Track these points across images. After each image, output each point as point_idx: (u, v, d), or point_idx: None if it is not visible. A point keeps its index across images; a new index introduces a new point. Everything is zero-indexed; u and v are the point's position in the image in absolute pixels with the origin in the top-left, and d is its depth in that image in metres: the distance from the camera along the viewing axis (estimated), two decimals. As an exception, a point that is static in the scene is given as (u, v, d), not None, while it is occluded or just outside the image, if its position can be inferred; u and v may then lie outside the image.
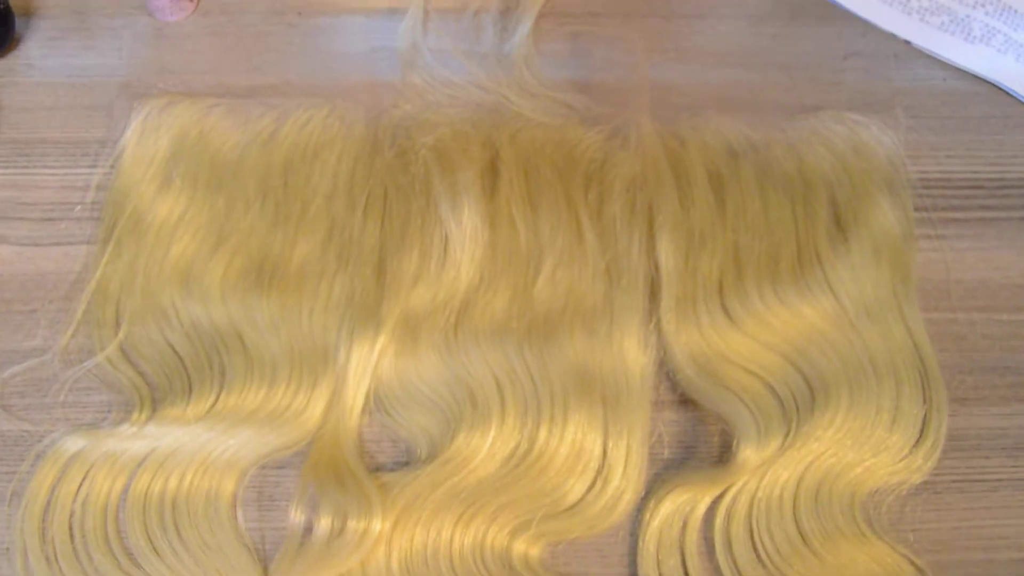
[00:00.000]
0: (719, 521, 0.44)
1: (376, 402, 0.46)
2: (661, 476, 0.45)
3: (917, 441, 0.45)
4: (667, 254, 0.47)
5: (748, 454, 0.43)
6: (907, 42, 0.55)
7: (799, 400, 0.46)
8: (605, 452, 0.44)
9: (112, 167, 0.49)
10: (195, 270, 0.47)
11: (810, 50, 0.55)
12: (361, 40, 0.54)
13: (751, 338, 0.47)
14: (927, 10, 0.55)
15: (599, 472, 0.44)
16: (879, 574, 0.43)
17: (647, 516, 0.43)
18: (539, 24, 0.54)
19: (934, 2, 0.55)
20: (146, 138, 0.49)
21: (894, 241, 0.49)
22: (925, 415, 0.46)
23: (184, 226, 0.48)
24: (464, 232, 0.47)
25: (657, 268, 0.48)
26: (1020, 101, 0.54)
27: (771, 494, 0.44)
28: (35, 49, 0.53)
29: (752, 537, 0.43)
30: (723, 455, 0.45)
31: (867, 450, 0.45)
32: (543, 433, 0.44)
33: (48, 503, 0.42)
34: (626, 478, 0.44)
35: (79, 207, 0.49)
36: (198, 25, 0.54)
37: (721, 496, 0.44)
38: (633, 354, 0.46)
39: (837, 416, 0.45)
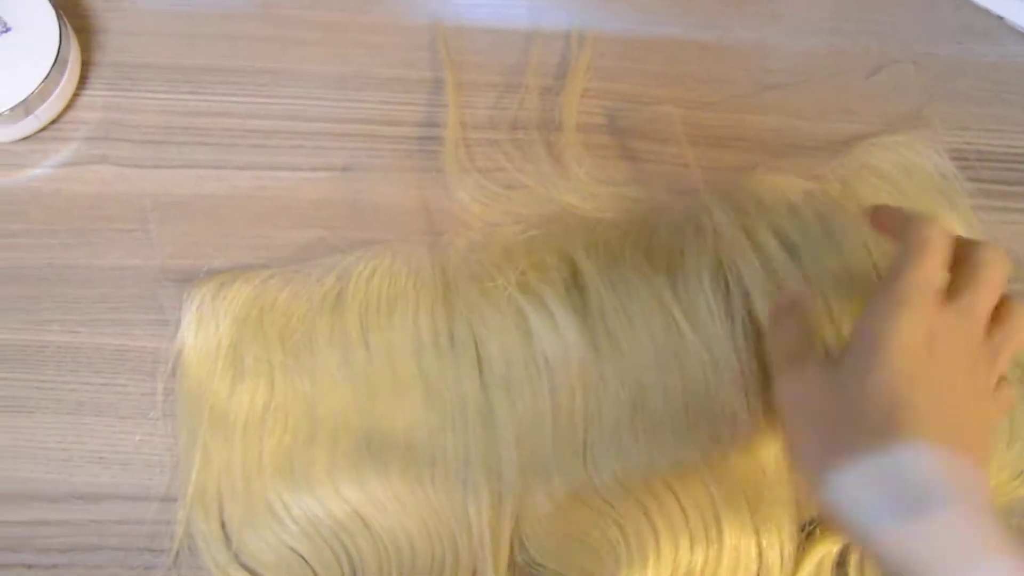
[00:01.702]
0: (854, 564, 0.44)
1: (523, 555, 0.43)
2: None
3: None
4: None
5: None
6: (1000, 18, 0.55)
7: None
8: (761, 553, 0.42)
9: (175, 368, 0.45)
10: (297, 461, 0.43)
11: (904, 25, 0.55)
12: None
13: None
14: (1019, -14, 0.55)
15: None
16: None
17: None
18: (580, 118, 0.51)
19: (1027, -22, 0.55)
20: (204, 329, 0.45)
21: None
22: None
23: (272, 415, 0.44)
24: (571, 362, 0.43)
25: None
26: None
27: None
28: (141, -22, 0.53)
29: None
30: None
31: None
32: (700, 553, 0.42)
33: None
34: (783, 568, 0.43)
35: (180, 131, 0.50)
36: None
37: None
38: (762, 442, 0.43)
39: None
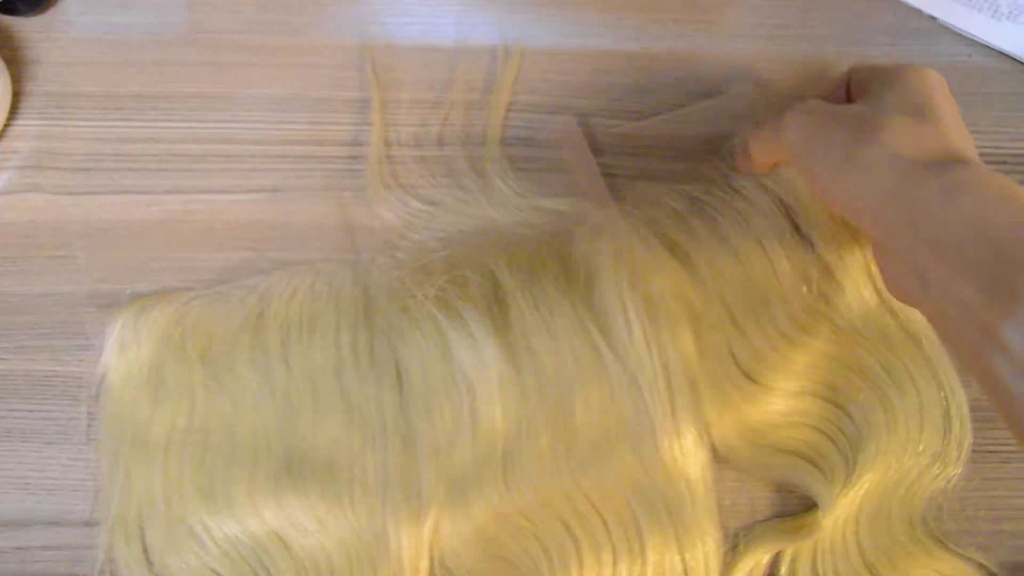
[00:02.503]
0: (784, 571, 0.44)
1: (444, 572, 0.43)
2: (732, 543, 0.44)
3: (945, 431, 0.44)
4: (678, 343, 0.44)
5: (832, 509, 0.42)
6: (933, 18, 0.55)
7: (848, 435, 0.44)
8: (686, 567, 0.42)
9: (98, 392, 0.45)
10: (218, 483, 0.43)
11: (836, 26, 0.55)
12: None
13: (782, 392, 0.45)
14: (951, -13, 0.55)
15: None
16: None
17: None
18: (508, 132, 0.51)
19: (958, -21, 0.55)
20: (126, 352, 0.45)
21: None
22: (944, 401, 0.44)
23: (193, 437, 0.44)
24: (491, 379, 0.43)
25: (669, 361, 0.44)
26: (1048, 79, 0.54)
27: (833, 534, 0.43)
28: (73, 6, 0.54)
29: None
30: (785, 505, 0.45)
31: (908, 460, 0.43)
32: (624, 568, 0.42)
33: None
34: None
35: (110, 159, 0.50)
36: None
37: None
38: (684, 457, 0.43)
39: (881, 438, 0.43)
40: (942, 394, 0.44)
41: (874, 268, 0.45)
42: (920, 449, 0.43)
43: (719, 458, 0.45)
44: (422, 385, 0.44)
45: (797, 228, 0.46)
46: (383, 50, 0.53)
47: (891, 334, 0.45)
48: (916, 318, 0.45)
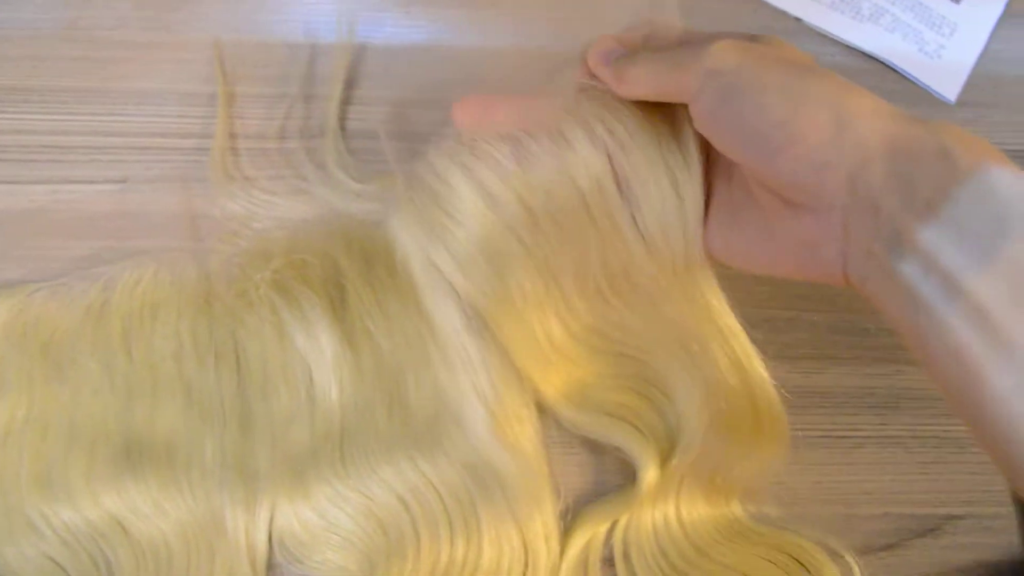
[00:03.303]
0: (618, 550, 0.44)
1: (284, 554, 0.43)
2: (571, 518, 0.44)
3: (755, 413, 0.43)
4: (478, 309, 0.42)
5: (651, 472, 0.42)
6: (798, 19, 0.56)
7: (673, 400, 0.43)
8: (524, 541, 0.42)
9: None
10: (55, 472, 0.43)
11: (701, 27, 0.56)
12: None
13: (601, 352, 0.44)
14: (817, -10, 0.57)
15: (526, 564, 0.42)
16: (783, 563, 0.42)
17: (563, 562, 0.43)
18: (352, 125, 0.52)
19: (824, -18, 0.57)
20: None
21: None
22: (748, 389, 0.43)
23: (31, 427, 0.44)
24: (326, 360, 0.44)
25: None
26: (905, 77, 0.55)
27: (654, 514, 0.43)
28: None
29: (649, 561, 0.43)
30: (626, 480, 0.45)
31: (725, 435, 0.43)
32: (461, 544, 0.42)
33: None
34: (550, 554, 0.42)
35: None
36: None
37: (612, 527, 0.44)
38: (512, 429, 0.43)
39: (699, 409, 0.42)
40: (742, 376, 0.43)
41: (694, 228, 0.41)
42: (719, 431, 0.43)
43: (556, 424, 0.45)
44: (260, 368, 0.44)
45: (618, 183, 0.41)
46: (236, 46, 0.54)
47: (697, 304, 0.43)
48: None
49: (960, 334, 0.28)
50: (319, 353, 0.44)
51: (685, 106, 0.37)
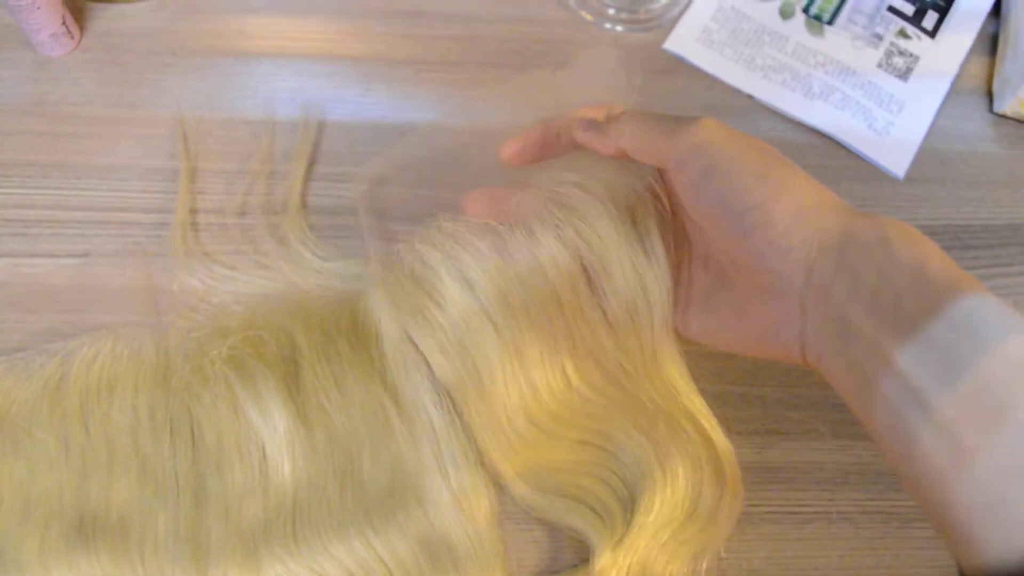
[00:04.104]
0: None
1: None
2: None
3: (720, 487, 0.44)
4: (450, 387, 0.45)
5: (605, 557, 0.42)
6: (751, 96, 0.58)
7: (628, 485, 0.44)
8: None
9: None
10: (8, 545, 0.43)
11: (657, 103, 0.58)
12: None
13: (562, 439, 0.45)
14: (770, 68, 0.58)
15: None
16: None
17: None
18: (313, 201, 0.53)
19: (776, 61, 0.58)
20: None
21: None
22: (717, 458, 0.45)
23: None
24: (279, 435, 0.44)
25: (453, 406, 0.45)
26: (854, 153, 0.56)
27: None
28: (-80, 78, 0.55)
29: None
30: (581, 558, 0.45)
31: (683, 515, 0.43)
32: None
33: None
34: None
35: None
36: (78, 60, 0.57)
37: None
38: (470, 503, 0.43)
39: (656, 490, 0.43)
40: (711, 451, 0.45)
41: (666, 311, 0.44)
42: (696, 505, 0.44)
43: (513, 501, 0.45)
44: (215, 443, 0.45)
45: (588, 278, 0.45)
46: (199, 122, 0.55)
47: (661, 385, 0.45)
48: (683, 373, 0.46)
49: (927, 445, 0.30)
50: (272, 429, 0.44)
51: (650, 204, 0.42)
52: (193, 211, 0.52)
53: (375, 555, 0.43)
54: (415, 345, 0.45)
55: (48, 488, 0.44)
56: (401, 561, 0.43)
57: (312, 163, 0.54)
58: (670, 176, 0.40)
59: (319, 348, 0.46)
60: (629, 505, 0.44)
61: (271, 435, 0.44)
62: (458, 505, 0.43)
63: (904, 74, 0.59)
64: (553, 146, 0.45)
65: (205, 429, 0.45)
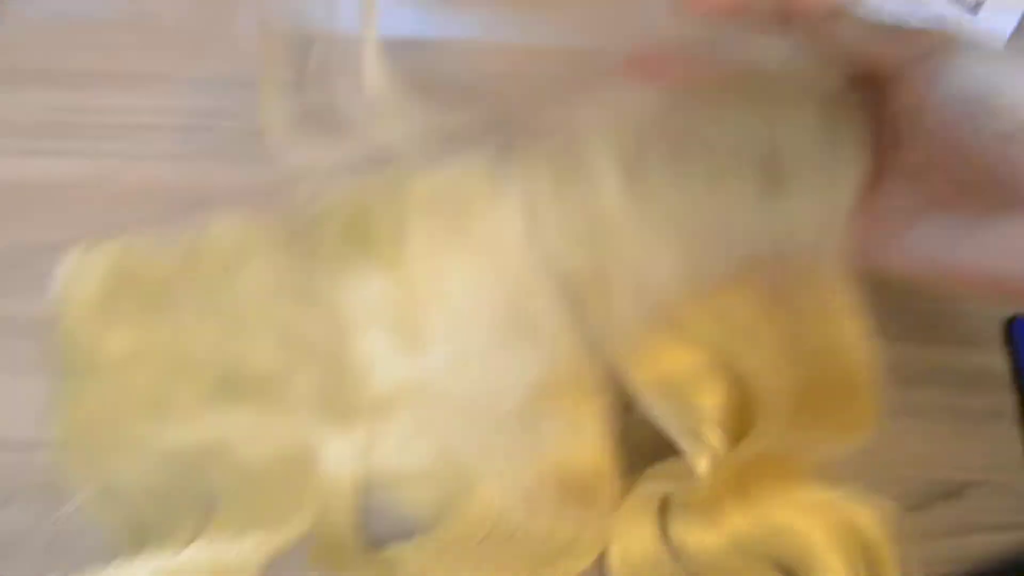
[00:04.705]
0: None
1: (372, 482, 0.45)
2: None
3: None
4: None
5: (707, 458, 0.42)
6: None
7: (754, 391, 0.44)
8: None
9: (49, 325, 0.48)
10: (164, 395, 0.46)
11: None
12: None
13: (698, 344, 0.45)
14: None
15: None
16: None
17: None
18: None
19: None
20: (81, 283, 0.48)
21: None
22: None
23: (140, 358, 0.46)
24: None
25: None
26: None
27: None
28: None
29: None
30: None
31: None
32: None
33: None
34: (612, 485, 0.44)
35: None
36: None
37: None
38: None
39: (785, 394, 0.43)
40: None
41: None
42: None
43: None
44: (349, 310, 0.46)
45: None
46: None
47: None
48: None
49: None
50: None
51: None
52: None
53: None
54: None
55: (197, 347, 0.46)
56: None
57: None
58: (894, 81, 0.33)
59: (426, 210, 0.46)
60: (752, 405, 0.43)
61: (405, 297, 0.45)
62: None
63: (974, 8, 0.60)
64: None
65: (342, 296, 0.46)
